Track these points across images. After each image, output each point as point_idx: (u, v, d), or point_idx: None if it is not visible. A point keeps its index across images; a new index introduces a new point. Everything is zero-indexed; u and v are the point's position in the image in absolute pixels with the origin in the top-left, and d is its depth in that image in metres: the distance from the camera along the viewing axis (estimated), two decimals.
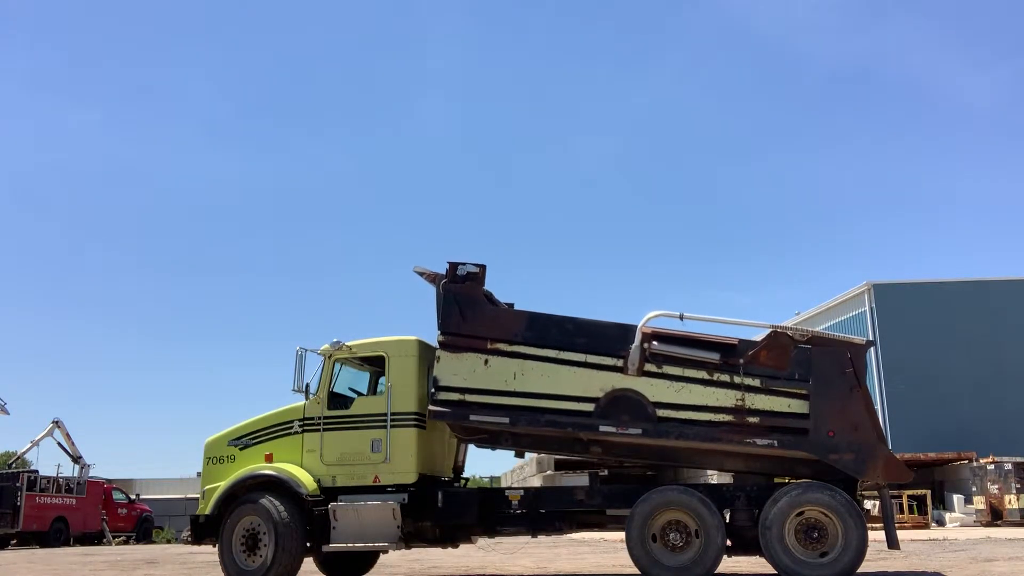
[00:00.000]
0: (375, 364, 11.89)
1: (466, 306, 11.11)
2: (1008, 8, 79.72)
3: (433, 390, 11.06)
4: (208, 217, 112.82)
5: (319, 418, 11.54)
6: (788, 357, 10.51)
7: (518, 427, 10.96)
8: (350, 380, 12.11)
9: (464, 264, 11.16)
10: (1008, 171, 79.86)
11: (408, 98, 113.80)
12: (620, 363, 10.72)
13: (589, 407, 10.76)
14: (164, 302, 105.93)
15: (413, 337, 11.74)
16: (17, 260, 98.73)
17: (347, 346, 11.72)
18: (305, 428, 11.57)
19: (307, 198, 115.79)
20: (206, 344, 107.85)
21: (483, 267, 11.20)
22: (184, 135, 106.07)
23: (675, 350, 10.68)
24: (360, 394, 11.99)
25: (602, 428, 10.70)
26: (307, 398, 11.64)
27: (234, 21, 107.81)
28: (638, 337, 10.68)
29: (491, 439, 11.38)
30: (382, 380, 11.67)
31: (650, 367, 10.70)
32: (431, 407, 11.08)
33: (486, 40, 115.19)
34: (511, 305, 11.63)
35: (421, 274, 11.48)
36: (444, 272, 11.26)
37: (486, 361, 11.01)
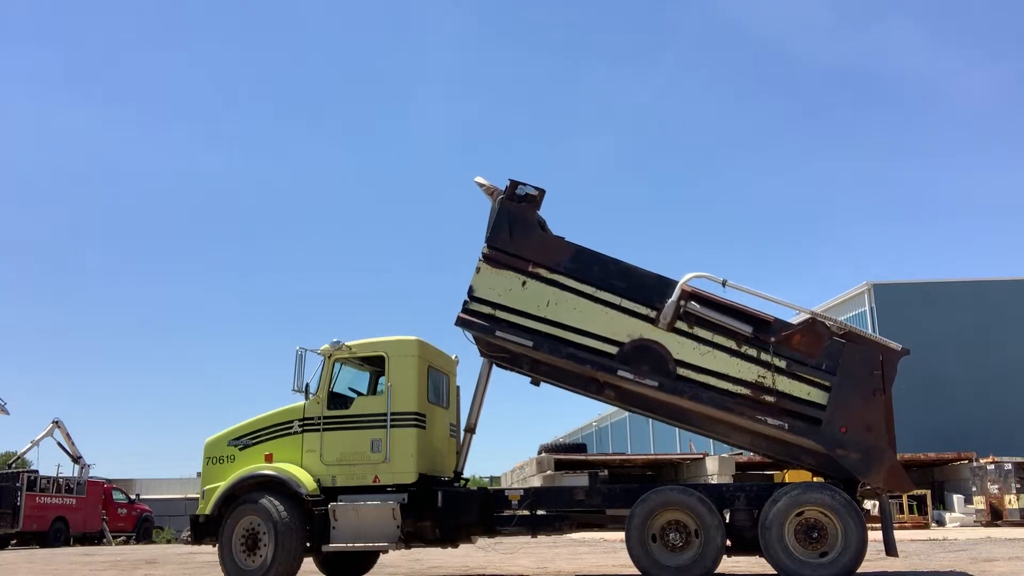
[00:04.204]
0: (375, 364, 11.88)
1: (517, 225, 11.11)
2: (1005, 8, 79.72)
3: (467, 299, 11.12)
4: (208, 217, 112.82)
5: (319, 418, 11.53)
6: (820, 346, 10.50)
7: (539, 353, 11.00)
8: (350, 380, 12.10)
9: (525, 185, 11.16)
10: (1007, 171, 79.86)
11: (407, 96, 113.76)
12: (653, 314, 10.75)
13: (612, 349, 10.80)
14: (164, 302, 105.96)
15: (413, 337, 11.73)
16: (17, 260, 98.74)
17: (347, 346, 11.71)
18: (305, 428, 11.56)
19: (307, 197, 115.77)
20: (206, 344, 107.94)
21: (542, 191, 11.19)
22: (183, 135, 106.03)
23: (711, 314, 10.68)
24: (360, 394, 11.97)
25: (620, 372, 10.72)
26: (307, 398, 11.63)
27: (233, 21, 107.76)
28: (677, 293, 10.68)
29: (511, 360, 11.43)
30: (382, 380, 11.66)
31: (681, 325, 10.72)
32: (460, 315, 11.13)
33: (484, 38, 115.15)
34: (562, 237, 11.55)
35: (481, 185, 11.51)
36: (504, 188, 11.25)
37: (524, 283, 11.07)
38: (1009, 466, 30.00)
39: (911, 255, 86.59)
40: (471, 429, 11.97)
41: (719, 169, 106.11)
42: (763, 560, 10.47)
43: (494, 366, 11.67)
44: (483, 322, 11.07)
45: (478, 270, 11.17)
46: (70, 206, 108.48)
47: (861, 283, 40.14)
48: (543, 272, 11.05)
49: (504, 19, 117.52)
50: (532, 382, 11.74)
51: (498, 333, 11.01)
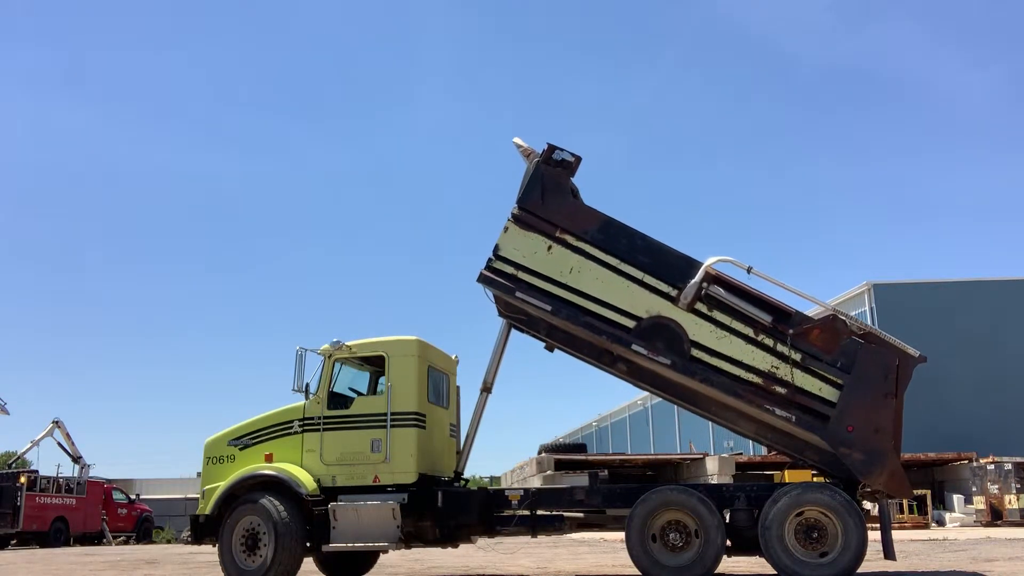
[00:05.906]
0: (375, 364, 11.89)
1: (549, 190, 11.17)
2: (1005, 8, 79.75)
3: (491, 257, 11.20)
4: (208, 217, 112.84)
5: (319, 418, 11.53)
6: (838, 344, 10.49)
7: (557, 319, 11.04)
8: (350, 380, 12.10)
9: (562, 150, 11.22)
10: (1006, 171, 79.89)
11: (406, 96, 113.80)
12: (674, 293, 10.78)
13: (630, 323, 10.84)
14: (163, 302, 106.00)
15: (413, 337, 11.74)
16: (16, 260, 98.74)
17: (347, 346, 11.71)
18: (305, 428, 11.56)
19: (306, 197, 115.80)
20: (206, 344, 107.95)
21: (578, 158, 11.24)
22: (183, 135, 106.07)
23: (732, 299, 10.68)
24: (360, 394, 11.98)
25: (634, 347, 10.75)
26: (307, 398, 11.63)
27: (232, 21, 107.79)
28: (700, 275, 10.69)
29: (528, 323, 11.50)
30: (382, 380, 11.67)
31: (701, 307, 10.74)
32: (484, 272, 11.20)
33: (484, 37, 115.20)
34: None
35: (519, 147, 11.60)
36: (541, 151, 11.30)
37: (549, 247, 11.12)
38: (1009, 466, 30.00)
39: (911, 255, 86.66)
40: (487, 389, 11.95)
41: (718, 169, 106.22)
42: (763, 560, 10.46)
43: (512, 329, 11.73)
44: (505, 281, 11.14)
45: (506, 229, 11.25)
46: (70, 206, 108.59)
47: (861, 283, 40.15)
48: (570, 239, 11.10)
49: (503, 18, 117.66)
50: (546, 347, 11.78)
51: (518, 294, 11.08)
